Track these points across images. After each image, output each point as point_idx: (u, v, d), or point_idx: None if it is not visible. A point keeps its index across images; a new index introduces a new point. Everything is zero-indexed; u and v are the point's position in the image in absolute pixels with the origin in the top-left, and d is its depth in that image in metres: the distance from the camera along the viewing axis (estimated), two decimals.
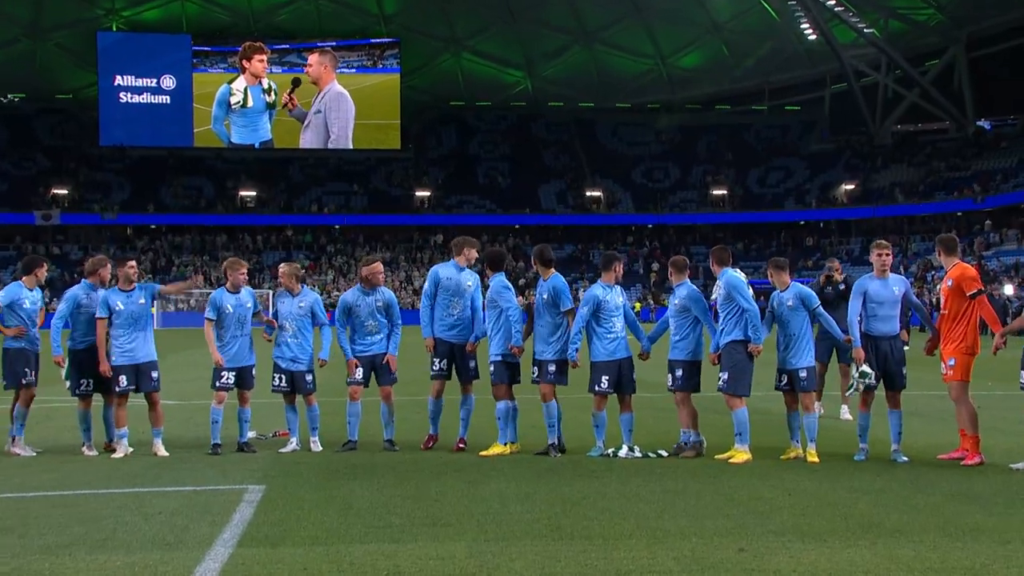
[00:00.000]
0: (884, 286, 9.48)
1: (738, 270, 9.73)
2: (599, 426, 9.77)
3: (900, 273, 58.88)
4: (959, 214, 68.03)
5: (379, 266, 10.13)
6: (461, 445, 9.93)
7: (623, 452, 9.63)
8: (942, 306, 9.43)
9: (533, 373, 9.85)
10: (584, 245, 78.71)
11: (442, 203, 78.57)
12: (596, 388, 9.69)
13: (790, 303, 9.52)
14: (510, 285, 9.91)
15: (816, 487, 8.00)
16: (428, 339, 9.96)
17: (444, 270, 10.06)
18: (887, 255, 9.48)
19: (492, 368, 9.80)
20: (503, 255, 10.19)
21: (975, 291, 9.11)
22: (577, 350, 9.58)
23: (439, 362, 10.00)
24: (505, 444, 9.78)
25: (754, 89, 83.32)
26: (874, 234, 68.31)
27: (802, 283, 9.94)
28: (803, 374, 9.45)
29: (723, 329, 9.53)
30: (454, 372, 10.07)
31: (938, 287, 9.60)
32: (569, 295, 9.83)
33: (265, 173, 77.88)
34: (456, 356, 10.02)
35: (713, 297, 10.12)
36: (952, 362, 9.08)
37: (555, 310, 9.73)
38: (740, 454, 9.33)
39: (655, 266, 73.29)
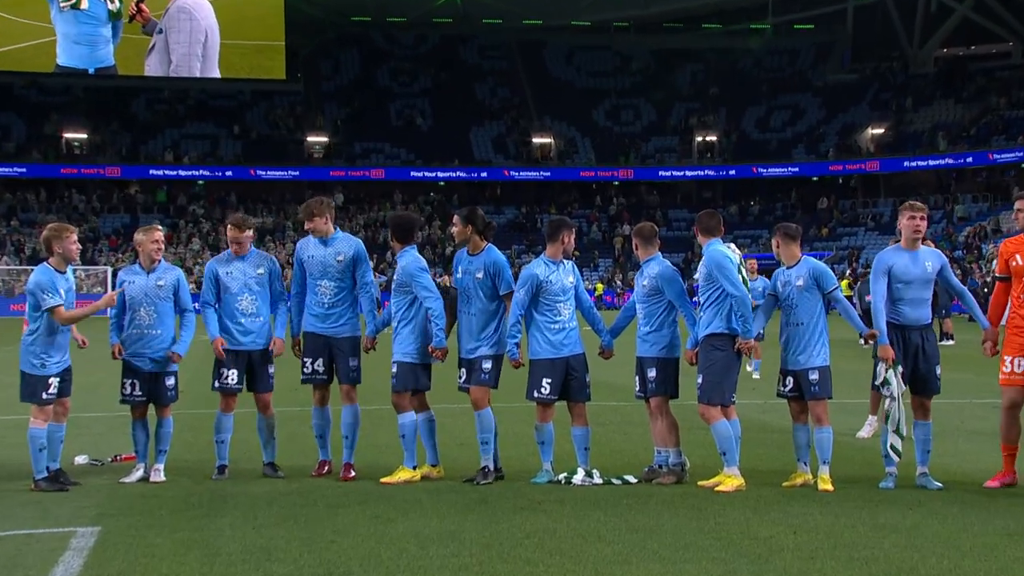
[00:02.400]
0: (914, 261, 9.64)
1: (731, 245, 9.84)
2: (545, 443, 9.86)
3: (942, 247, 60.51)
4: None
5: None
6: (350, 474, 10.02)
7: (578, 478, 9.73)
8: (1015, 290, 9.56)
9: (460, 376, 9.92)
10: (530, 207, 79.20)
11: (342, 151, 78.32)
12: (535, 394, 9.78)
13: (800, 282, 9.64)
14: (426, 265, 9.97)
15: (830, 523, 8.15)
16: (295, 337, 10.18)
17: (305, 245, 10.20)
18: (920, 219, 9.62)
19: (395, 370, 9.86)
20: (413, 222, 10.21)
21: None
22: (517, 344, 9.66)
23: (311, 362, 10.10)
24: (414, 468, 9.85)
25: (753, 2, 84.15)
26: (909, 193, 69.66)
27: (815, 258, 10.09)
28: (814, 376, 9.57)
29: (703, 319, 9.67)
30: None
31: (993, 264, 9.77)
32: (510, 275, 9.90)
33: (101, 110, 76.64)
34: (334, 354, 10.11)
35: (696, 276, 10.22)
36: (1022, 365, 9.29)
37: (491, 293, 9.76)
38: (729, 480, 9.44)
39: (623, 234, 73.87)
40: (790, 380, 9.69)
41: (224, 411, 10.12)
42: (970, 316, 10.16)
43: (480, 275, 9.73)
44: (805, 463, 9.71)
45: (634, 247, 10.21)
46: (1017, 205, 9.58)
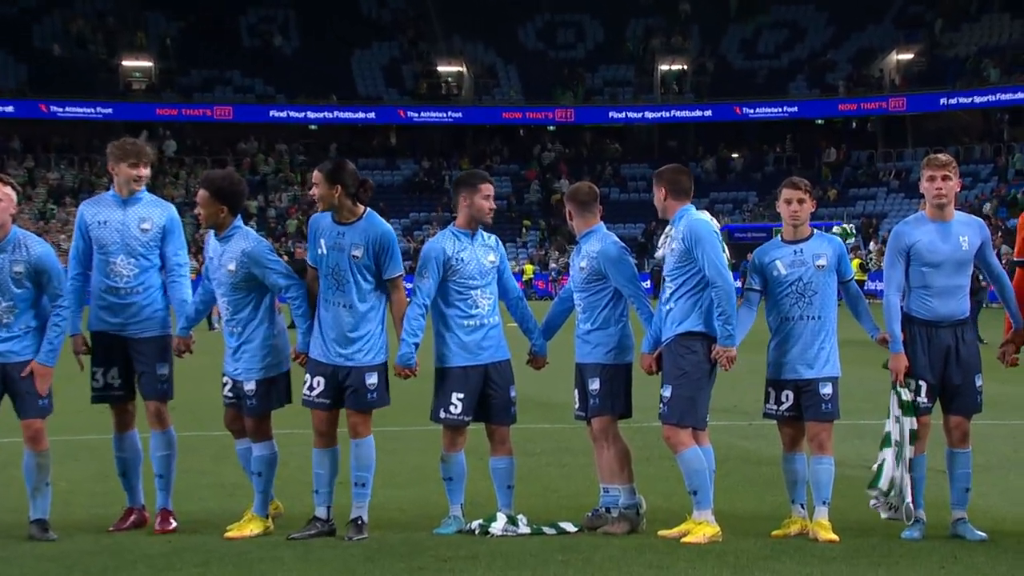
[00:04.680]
0: (944, 234, 9.70)
1: (705, 213, 9.91)
2: (453, 480, 9.93)
3: (991, 216, 61.41)
4: None
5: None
6: (169, 524, 10.01)
7: (498, 526, 9.80)
8: None
9: (312, 388, 9.81)
10: (435, 161, 79.09)
11: (173, 82, 77.51)
12: (442, 414, 9.83)
13: (822, 262, 9.77)
14: (270, 244, 10.00)
15: None
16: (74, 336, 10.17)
17: (95, 208, 10.25)
18: (943, 179, 9.64)
19: (254, 388, 9.87)
20: (235, 183, 10.06)
21: None
22: (417, 346, 9.69)
23: (101, 374, 10.14)
24: (267, 516, 9.86)
25: None
26: (947, 142, 70.59)
27: (818, 228, 10.21)
28: (826, 390, 9.70)
29: (669, 312, 9.74)
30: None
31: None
32: (399, 252, 9.88)
33: None
34: (131, 361, 10.13)
35: (658, 254, 10.30)
36: None
37: (372, 278, 9.77)
38: (701, 527, 9.52)
39: (561, 192, 73.97)
40: (788, 395, 9.80)
41: None
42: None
43: (358, 253, 9.68)
44: (802, 505, 9.83)
45: (567, 216, 10.28)
46: None
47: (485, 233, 10.06)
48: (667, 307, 9.73)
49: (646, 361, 9.85)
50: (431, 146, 79.74)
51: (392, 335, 9.84)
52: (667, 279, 9.81)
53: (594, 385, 9.91)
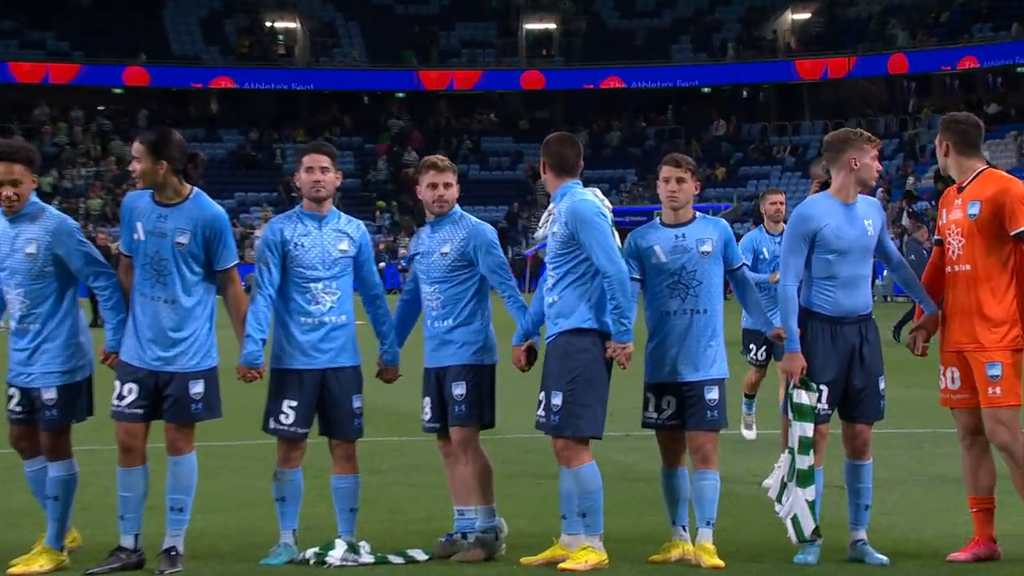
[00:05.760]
0: (850, 218, 9.91)
1: (592, 192, 9.98)
2: (286, 500, 9.92)
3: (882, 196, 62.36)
4: None
5: None
6: None
7: (336, 555, 9.80)
8: (947, 258, 9.97)
9: (122, 398, 9.66)
10: (265, 132, 78.43)
11: None
12: (272, 424, 9.85)
13: (707, 248, 9.87)
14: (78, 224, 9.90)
15: None
16: None
17: None
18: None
19: (54, 397, 9.70)
20: (31, 150, 9.89)
21: None
22: (264, 343, 9.71)
23: None
24: (61, 548, 9.73)
25: None
26: (847, 113, 71.53)
27: (707, 211, 10.34)
28: (713, 395, 9.81)
29: (553, 305, 9.77)
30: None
31: (943, 221, 10.11)
32: (232, 238, 9.88)
33: None
34: None
35: (539, 234, 10.35)
36: (996, 369, 9.64)
37: (200, 269, 9.71)
38: (584, 553, 9.60)
39: (411, 165, 73.93)
40: (670, 401, 9.89)
41: None
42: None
43: (183, 239, 9.58)
44: (684, 527, 9.93)
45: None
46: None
47: (345, 217, 10.04)
48: (550, 298, 9.76)
49: (517, 355, 9.90)
50: (259, 115, 79.00)
51: (225, 334, 9.75)
52: (550, 266, 9.85)
53: (459, 390, 9.94)
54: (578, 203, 9.71)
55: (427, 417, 10.15)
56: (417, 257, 10.24)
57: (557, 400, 9.59)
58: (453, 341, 10.00)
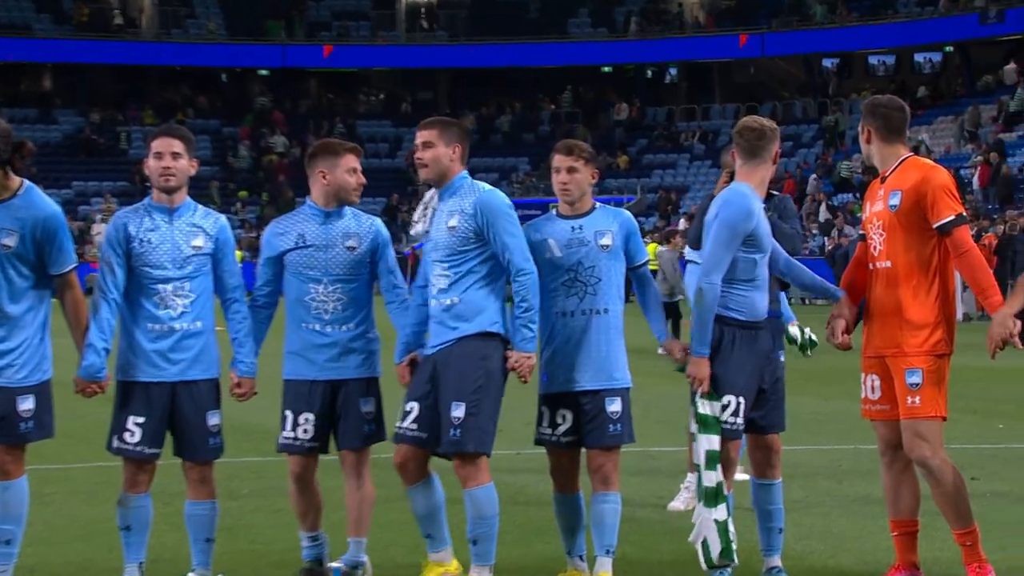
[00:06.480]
0: (763, 212, 9.97)
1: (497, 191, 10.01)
2: (132, 530, 9.81)
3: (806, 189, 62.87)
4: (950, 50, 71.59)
5: None
6: None
7: None
8: (870, 254, 10.07)
9: None
10: (108, 114, 77.90)
11: None
12: (116, 443, 9.75)
13: (606, 240, 9.92)
14: None
15: None
16: None
17: None
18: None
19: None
20: None
21: (951, 217, 9.86)
22: (107, 353, 9.60)
23: None
24: None
25: None
26: (762, 96, 72.00)
27: (607, 203, 10.39)
28: (614, 407, 9.85)
29: (451, 308, 9.73)
30: None
31: (860, 216, 10.21)
32: (68, 236, 9.75)
33: None
34: None
35: (416, 230, 10.23)
36: (915, 376, 9.72)
37: (32, 273, 9.56)
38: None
39: (274, 153, 73.80)
40: (566, 415, 9.91)
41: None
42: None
43: (10, 241, 9.44)
44: (581, 556, 9.98)
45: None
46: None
47: (202, 210, 9.95)
48: (447, 300, 9.72)
49: (400, 373, 9.93)
50: (101, 94, 78.39)
51: (63, 343, 9.68)
52: (444, 265, 9.78)
53: (368, 407, 10.01)
54: (488, 195, 9.79)
55: (308, 435, 10.00)
56: (311, 250, 10.11)
57: (459, 412, 9.57)
58: (356, 350, 10.03)
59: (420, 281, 10.04)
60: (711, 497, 9.64)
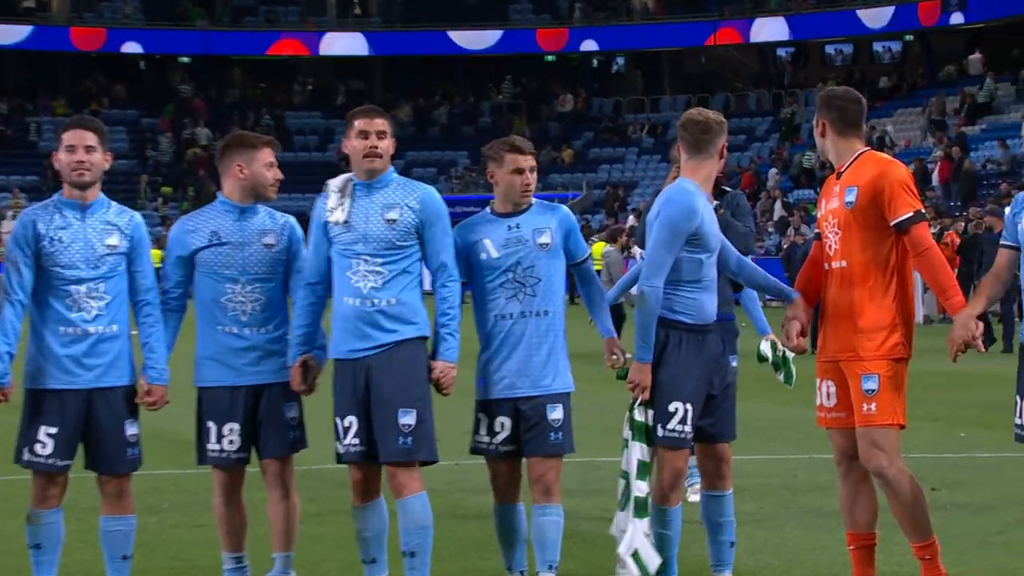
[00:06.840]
0: (711, 211, 10.04)
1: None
2: (43, 548, 9.74)
3: (764, 184, 63.09)
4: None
5: None
6: None
7: None
8: (825, 253, 10.11)
9: None
10: (16, 103, 77.73)
11: None
12: (27, 455, 9.69)
13: (544, 239, 9.96)
14: None
15: None
16: None
17: None
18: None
19: None
20: None
21: (910, 214, 9.89)
22: (11, 358, 9.57)
23: None
24: None
25: None
26: (713, 87, 72.14)
27: (551, 200, 10.38)
28: (556, 414, 9.87)
29: (388, 308, 9.71)
30: None
31: (816, 214, 10.26)
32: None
33: None
34: None
35: (333, 217, 10.30)
36: (871, 382, 9.78)
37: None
38: None
39: (197, 146, 73.59)
40: (504, 423, 9.93)
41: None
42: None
43: None
44: (522, 572, 9.98)
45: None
46: None
47: (116, 207, 9.89)
48: (384, 300, 9.69)
49: (296, 374, 9.89)
50: (7, 82, 77.99)
51: None
52: (376, 260, 9.74)
53: (292, 412, 9.99)
54: (430, 193, 9.86)
55: (234, 446, 9.97)
56: (227, 248, 10.04)
57: (409, 419, 9.62)
58: (276, 352, 10.01)
59: (310, 277, 9.99)
60: (642, 507, 9.65)
